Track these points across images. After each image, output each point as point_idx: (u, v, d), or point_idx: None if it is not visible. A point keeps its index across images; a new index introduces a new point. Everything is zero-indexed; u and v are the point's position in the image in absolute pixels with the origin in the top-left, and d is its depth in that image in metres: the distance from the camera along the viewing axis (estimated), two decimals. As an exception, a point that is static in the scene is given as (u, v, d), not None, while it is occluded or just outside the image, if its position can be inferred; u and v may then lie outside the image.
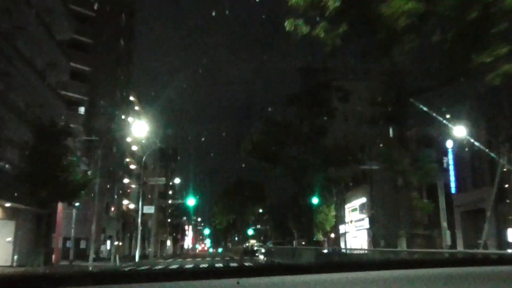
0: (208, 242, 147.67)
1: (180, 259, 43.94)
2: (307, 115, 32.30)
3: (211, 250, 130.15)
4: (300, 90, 33.87)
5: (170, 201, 76.68)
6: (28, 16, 23.85)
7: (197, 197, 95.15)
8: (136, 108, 59.87)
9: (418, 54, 14.17)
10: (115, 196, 42.92)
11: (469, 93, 26.04)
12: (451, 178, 33.16)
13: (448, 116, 22.29)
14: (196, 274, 1.67)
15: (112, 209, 40.72)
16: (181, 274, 1.66)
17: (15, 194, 20.87)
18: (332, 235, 59.42)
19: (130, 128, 28.49)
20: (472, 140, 24.06)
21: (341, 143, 36.18)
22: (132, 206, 53.49)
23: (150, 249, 43.00)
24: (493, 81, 11.53)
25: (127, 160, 54.98)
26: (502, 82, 11.61)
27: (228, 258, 41.85)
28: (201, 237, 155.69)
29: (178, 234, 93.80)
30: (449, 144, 31.97)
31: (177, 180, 70.32)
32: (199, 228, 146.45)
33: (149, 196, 65.56)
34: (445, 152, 32.69)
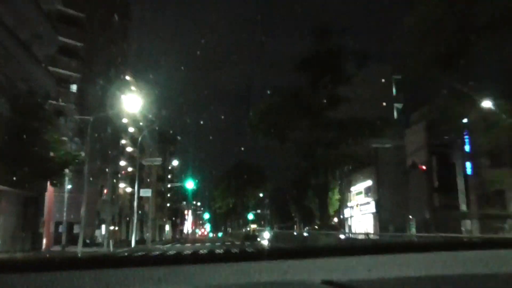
0: (208, 227, 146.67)
1: (178, 244, 42.27)
2: (320, 83, 29.24)
3: (211, 235, 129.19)
4: (312, 54, 30.13)
5: (168, 185, 74.94)
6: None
7: (197, 181, 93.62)
8: (133, 88, 57.67)
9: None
10: (111, 179, 41.01)
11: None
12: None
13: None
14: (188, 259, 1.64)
15: (105, 191, 38.81)
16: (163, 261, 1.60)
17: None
18: (335, 220, 57.85)
19: (125, 107, 26.24)
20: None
21: (357, 115, 32.91)
22: (129, 189, 51.65)
23: (147, 234, 41.18)
24: None
25: (124, 142, 52.99)
26: None
27: (229, 243, 40.10)
28: (200, 222, 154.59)
29: (177, 218, 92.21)
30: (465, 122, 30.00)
31: (175, 162, 68.19)
32: (198, 212, 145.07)
33: (148, 180, 63.79)
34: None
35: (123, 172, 43.11)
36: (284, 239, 31.23)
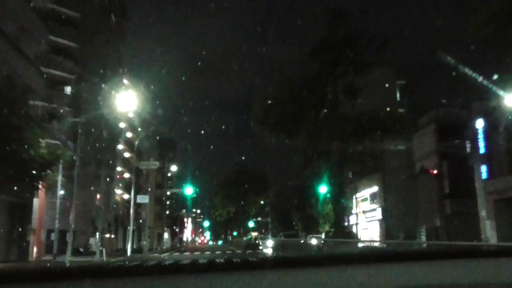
0: (207, 235, 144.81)
1: (176, 253, 40.46)
2: (337, 71, 26.31)
3: (211, 243, 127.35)
4: (327, 39, 27.03)
5: (168, 192, 73.16)
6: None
7: (197, 189, 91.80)
8: (130, 91, 56.10)
9: None
10: (105, 184, 39.31)
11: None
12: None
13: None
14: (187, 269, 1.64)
15: (98, 196, 37.09)
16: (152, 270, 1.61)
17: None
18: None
19: (119, 105, 24.38)
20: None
21: (378, 108, 29.62)
22: (126, 196, 49.94)
23: (144, 242, 39.37)
24: None
25: (121, 147, 51.33)
26: None
27: (230, 252, 38.28)
28: (200, 230, 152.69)
29: (176, 226, 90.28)
30: (479, 123, 28.36)
31: (174, 168, 66.38)
32: (198, 220, 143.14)
33: (148, 188, 61.99)
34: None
35: (118, 176, 41.35)
36: (290, 248, 28.21)
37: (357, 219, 45.57)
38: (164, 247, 68.90)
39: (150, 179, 64.77)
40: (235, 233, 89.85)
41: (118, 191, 50.11)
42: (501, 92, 17.74)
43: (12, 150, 13.72)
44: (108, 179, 39.97)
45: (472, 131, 27.93)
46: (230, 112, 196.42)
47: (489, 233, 24.26)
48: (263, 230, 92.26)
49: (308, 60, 28.25)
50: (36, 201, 32.40)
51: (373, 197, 47.41)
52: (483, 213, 23.76)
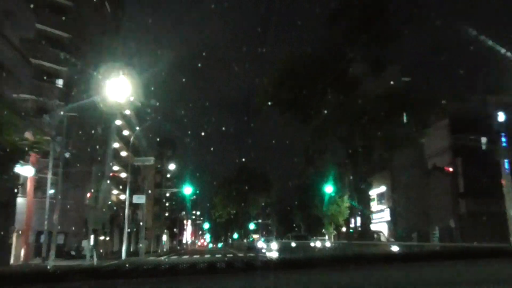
0: (207, 237, 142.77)
1: (175, 256, 38.38)
2: (360, 40, 21.71)
3: (210, 245, 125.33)
4: (346, 3, 22.88)
5: (167, 193, 71.07)
6: None
7: (197, 191, 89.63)
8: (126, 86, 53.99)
9: None
10: (97, 182, 37.19)
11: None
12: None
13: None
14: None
15: (89, 195, 34.94)
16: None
17: None
18: (343, 229, 53.95)
19: (111, 93, 22.16)
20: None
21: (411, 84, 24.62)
22: (123, 196, 47.86)
23: (141, 245, 37.28)
24: None
25: (117, 145, 49.25)
26: None
27: (231, 255, 36.15)
28: (200, 232, 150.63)
29: (175, 228, 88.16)
30: (500, 117, 26.26)
31: (172, 166, 64.21)
32: (198, 222, 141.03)
33: (146, 188, 59.81)
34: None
35: (111, 174, 39.20)
36: (305, 252, 24.21)
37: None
38: (164, 250, 66.77)
39: (148, 179, 62.72)
40: (235, 236, 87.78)
41: (115, 191, 48.04)
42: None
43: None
44: (100, 177, 37.88)
45: (494, 125, 25.81)
46: (230, 112, 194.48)
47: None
48: (264, 232, 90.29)
49: (325, 29, 24.26)
50: (23, 201, 30.36)
51: (380, 197, 45.35)
52: (511, 212, 21.60)
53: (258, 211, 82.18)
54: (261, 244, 41.36)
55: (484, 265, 1.87)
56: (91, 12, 37.82)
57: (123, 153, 51.90)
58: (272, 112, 25.94)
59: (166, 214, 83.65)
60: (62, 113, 32.24)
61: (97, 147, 36.34)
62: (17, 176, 24.81)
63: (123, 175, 50.80)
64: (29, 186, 30.35)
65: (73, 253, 33.14)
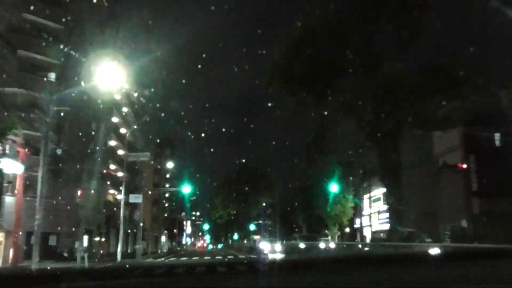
0: (207, 238, 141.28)
1: (173, 258, 36.78)
2: (387, 5, 18.15)
3: (210, 246, 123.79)
4: None
5: (166, 193, 69.51)
6: None
7: (197, 192, 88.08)
8: (125, 85, 52.41)
9: None
10: (96, 182, 35.64)
11: None
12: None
13: None
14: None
15: (79, 193, 33.37)
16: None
17: None
18: (347, 230, 52.41)
19: (101, 80, 20.40)
20: None
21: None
22: (120, 196, 46.26)
23: (137, 246, 35.69)
24: None
25: (114, 143, 47.63)
26: None
27: (231, 257, 34.53)
28: (200, 233, 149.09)
29: (175, 229, 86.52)
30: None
31: (170, 165, 62.61)
32: (198, 223, 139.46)
33: (149, 191, 58.24)
34: None
35: (105, 172, 37.54)
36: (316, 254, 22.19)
37: (370, 221, 41.84)
38: (164, 251, 65.19)
39: (145, 178, 61.16)
40: (236, 237, 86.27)
41: (111, 191, 46.46)
42: None
43: None
44: (98, 176, 36.29)
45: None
46: (230, 113, 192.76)
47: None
48: (264, 233, 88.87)
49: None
50: (12, 200, 28.80)
51: (387, 196, 43.63)
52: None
53: (259, 212, 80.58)
54: (263, 245, 39.77)
55: None
56: (86, 4, 36.27)
57: (120, 152, 50.35)
58: (277, 97, 22.99)
59: (165, 215, 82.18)
60: (61, 108, 30.74)
61: (91, 143, 34.75)
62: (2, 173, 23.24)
63: (121, 174, 49.26)
64: (18, 184, 28.76)
65: (65, 254, 31.52)
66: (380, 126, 20.24)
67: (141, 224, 38.11)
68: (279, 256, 26.73)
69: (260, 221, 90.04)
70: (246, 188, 62.74)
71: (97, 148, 36.05)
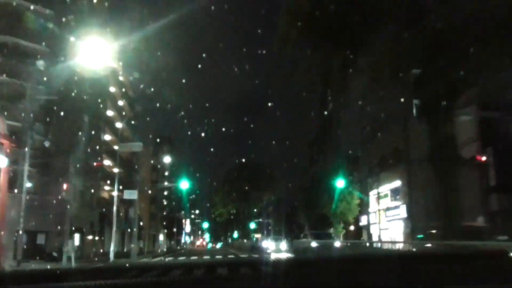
0: (207, 237, 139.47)
1: (170, 258, 34.70)
2: None
3: (210, 245, 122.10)
4: None
5: (164, 189, 67.41)
6: None
7: (197, 191, 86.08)
8: (121, 78, 50.40)
9: None
10: (88, 178, 33.56)
11: None
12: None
13: None
14: None
15: (64, 186, 31.21)
16: None
17: None
18: (352, 228, 50.34)
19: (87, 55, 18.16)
20: None
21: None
22: (116, 193, 44.18)
23: (132, 245, 33.64)
24: None
25: (109, 138, 45.56)
26: None
27: (232, 256, 32.44)
28: (200, 232, 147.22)
29: (173, 228, 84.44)
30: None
31: (167, 159, 60.40)
32: (197, 221, 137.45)
33: (146, 189, 56.14)
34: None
35: (96, 164, 35.36)
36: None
37: (378, 218, 39.77)
38: (162, 250, 63.12)
39: (141, 173, 59.16)
40: (236, 236, 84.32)
41: (107, 187, 44.40)
42: None
43: None
44: (89, 171, 34.22)
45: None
46: (230, 112, 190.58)
47: None
48: (264, 232, 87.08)
49: None
50: (-5, 195, 26.67)
51: (395, 192, 41.61)
52: None
53: (259, 210, 78.53)
54: (266, 244, 37.73)
55: None
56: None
57: (116, 147, 48.30)
58: (278, 96, 20.60)
59: (164, 213, 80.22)
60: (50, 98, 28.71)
61: (82, 135, 32.64)
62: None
63: (117, 170, 47.19)
64: (2, 179, 26.65)
65: (55, 254, 29.43)
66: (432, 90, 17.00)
67: (137, 222, 36.06)
68: (285, 256, 24.67)
69: (261, 219, 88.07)
70: (247, 186, 60.59)
71: (90, 141, 33.96)
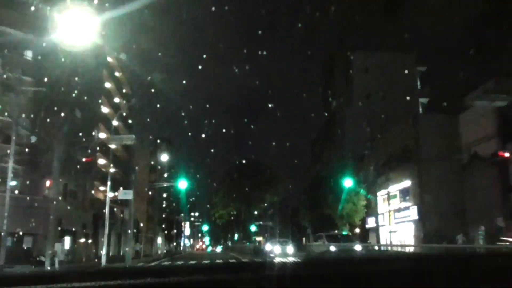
0: (206, 240, 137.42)
1: (167, 262, 32.66)
2: None
3: (209, 248, 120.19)
4: None
5: (162, 191, 65.31)
6: None
7: (197, 192, 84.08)
8: (117, 74, 48.42)
9: None
10: (80, 176, 31.49)
11: None
12: None
13: None
14: None
15: (47, 183, 29.06)
16: None
17: None
18: (357, 230, 48.23)
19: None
20: None
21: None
22: (112, 194, 42.10)
23: (127, 248, 31.57)
24: None
25: (104, 136, 43.48)
26: None
27: (234, 261, 30.33)
28: (199, 234, 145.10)
29: (172, 230, 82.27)
30: None
31: (164, 157, 58.28)
32: (196, 224, 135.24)
33: (141, 188, 54.12)
34: None
35: (84, 159, 33.18)
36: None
37: (389, 220, 37.69)
38: (160, 253, 60.98)
39: (141, 177, 57.15)
40: (236, 238, 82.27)
41: (102, 188, 42.32)
42: None
43: None
44: (82, 170, 32.16)
45: None
46: (230, 114, 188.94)
47: None
48: (266, 235, 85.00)
49: None
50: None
51: (404, 193, 39.55)
52: None
53: (260, 212, 76.33)
54: (270, 247, 35.63)
55: None
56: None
57: (112, 147, 46.30)
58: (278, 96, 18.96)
59: (163, 216, 78.16)
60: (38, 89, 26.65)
61: (73, 131, 30.57)
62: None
63: (112, 170, 45.15)
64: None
65: (42, 258, 27.33)
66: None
67: (133, 224, 33.99)
68: (290, 259, 22.58)
69: (261, 222, 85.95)
70: (248, 185, 58.32)
71: (82, 138, 31.91)
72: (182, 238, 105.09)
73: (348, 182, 36.03)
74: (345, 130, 56.92)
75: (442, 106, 44.76)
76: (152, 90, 56.28)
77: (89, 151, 30.46)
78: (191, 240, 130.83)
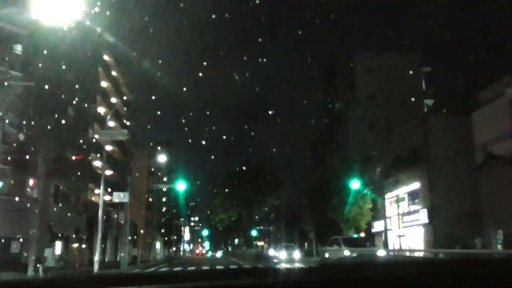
0: (206, 245, 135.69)
1: (165, 268, 30.99)
2: None
3: (209, 254, 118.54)
4: None
5: (161, 195, 63.69)
6: None
7: (197, 198, 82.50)
8: (113, 73, 46.89)
9: None
10: (73, 178, 29.86)
11: None
12: None
13: None
14: None
15: (31, 183, 27.33)
16: None
17: None
18: (362, 234, 46.46)
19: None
20: None
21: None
22: (107, 197, 40.44)
23: (122, 254, 29.89)
24: None
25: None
26: None
27: (235, 267, 28.59)
28: (199, 239, 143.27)
29: (172, 235, 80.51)
30: None
31: (162, 158, 56.46)
32: (196, 228, 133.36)
33: (139, 191, 52.49)
34: None
35: (74, 157, 31.40)
36: None
37: (398, 224, 35.94)
38: (158, 258, 59.20)
39: (140, 181, 55.55)
40: (237, 243, 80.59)
41: (97, 191, 40.65)
42: None
43: None
44: (75, 171, 30.52)
45: None
46: (230, 119, 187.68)
47: None
48: (267, 240, 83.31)
49: None
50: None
51: (413, 196, 37.90)
52: None
53: (261, 217, 74.50)
54: (273, 252, 33.92)
55: None
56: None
57: (108, 148, 44.68)
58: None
59: (162, 220, 76.53)
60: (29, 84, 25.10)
61: (66, 130, 28.93)
62: None
63: (109, 173, 43.59)
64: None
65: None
66: None
67: (128, 228, 32.30)
68: (296, 265, 20.87)
69: (262, 227, 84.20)
70: (250, 188, 56.45)
71: (75, 137, 30.31)
72: (182, 243, 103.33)
73: (355, 184, 34.40)
74: (348, 132, 55.43)
75: (450, 105, 43.41)
76: (153, 97, 55.20)
77: (80, 148, 28.83)
78: (191, 245, 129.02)
